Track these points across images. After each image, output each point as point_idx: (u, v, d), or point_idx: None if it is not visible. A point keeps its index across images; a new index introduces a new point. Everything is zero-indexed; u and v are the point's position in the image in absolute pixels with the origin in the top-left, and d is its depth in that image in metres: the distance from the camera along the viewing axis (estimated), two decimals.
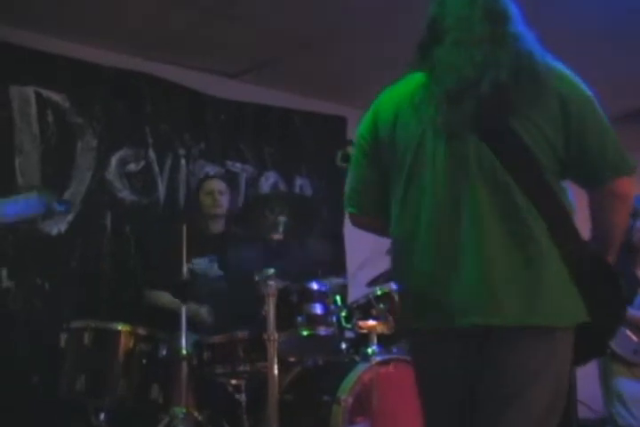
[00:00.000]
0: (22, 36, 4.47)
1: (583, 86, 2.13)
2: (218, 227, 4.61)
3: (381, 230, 2.39)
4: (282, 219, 3.69)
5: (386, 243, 3.05)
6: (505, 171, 2.06)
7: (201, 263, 4.34)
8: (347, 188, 2.43)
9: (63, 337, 3.85)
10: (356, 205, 2.40)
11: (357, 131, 2.39)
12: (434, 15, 2.26)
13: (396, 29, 4.53)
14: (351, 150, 2.80)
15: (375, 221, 2.40)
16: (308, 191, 5.77)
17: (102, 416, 3.74)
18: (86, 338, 3.80)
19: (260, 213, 3.74)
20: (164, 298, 4.23)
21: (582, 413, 4.87)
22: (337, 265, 5.66)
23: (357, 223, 2.46)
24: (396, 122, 2.24)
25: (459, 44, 2.16)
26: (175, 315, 3.89)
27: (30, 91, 4.53)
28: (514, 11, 2.20)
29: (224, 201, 4.58)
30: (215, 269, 4.45)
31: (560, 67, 2.14)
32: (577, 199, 2.20)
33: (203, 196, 4.60)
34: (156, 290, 4.32)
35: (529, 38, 2.17)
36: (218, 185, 4.65)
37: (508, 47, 2.11)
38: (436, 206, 2.13)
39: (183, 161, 5.15)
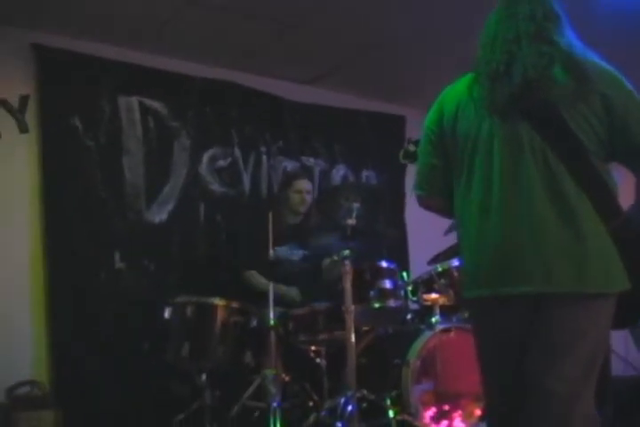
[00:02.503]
0: (126, 54, 4.57)
1: (624, 82, 2.11)
2: (298, 218, 4.60)
3: (445, 210, 2.42)
4: (355, 206, 3.67)
5: (442, 223, 3.06)
6: (554, 155, 2.07)
7: (282, 250, 4.35)
8: (415, 173, 2.44)
9: (168, 310, 3.87)
10: (423, 188, 2.41)
11: (425, 123, 2.39)
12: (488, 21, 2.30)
13: (447, 41, 4.53)
14: (411, 148, 2.80)
15: (440, 202, 2.40)
16: (374, 182, 5.74)
17: (204, 377, 3.80)
18: (189, 311, 3.85)
19: (337, 202, 3.74)
20: (255, 277, 4.30)
21: (626, 371, 4.88)
22: (400, 246, 5.69)
23: (424, 204, 2.46)
24: (458, 113, 2.27)
25: (494, 40, 2.21)
26: (264, 291, 3.91)
27: (135, 100, 4.61)
28: (560, 12, 2.22)
29: (309, 199, 4.56)
30: (296, 254, 4.46)
31: (602, 64, 2.13)
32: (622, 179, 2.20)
33: (291, 193, 4.56)
34: (248, 270, 4.35)
35: (573, 38, 2.18)
36: (307, 185, 4.61)
37: (548, 45, 2.12)
38: (493, 189, 2.14)
39: (264, 157, 5.17)
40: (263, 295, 3.90)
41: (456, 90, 2.34)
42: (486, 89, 2.18)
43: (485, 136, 2.18)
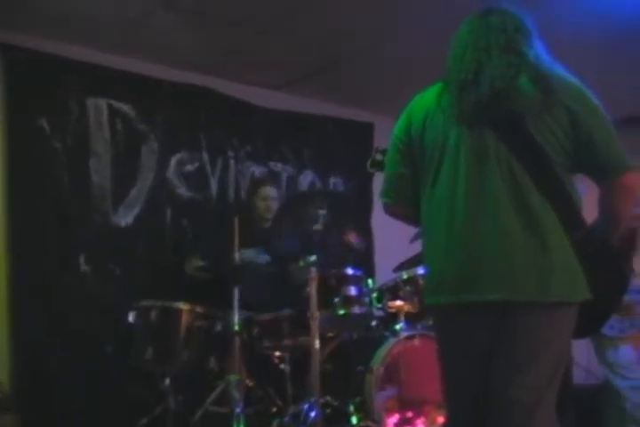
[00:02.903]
0: (95, 56, 4.50)
1: (589, 96, 2.14)
2: (265, 224, 4.61)
3: (411, 218, 2.43)
4: (322, 212, 3.68)
5: (409, 231, 3.08)
6: (519, 165, 2.09)
7: (249, 253, 4.35)
8: (383, 181, 2.46)
9: (132, 314, 3.86)
10: (390, 196, 2.43)
11: (393, 132, 2.42)
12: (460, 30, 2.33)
13: (417, 49, 4.56)
14: (379, 157, 2.82)
15: (406, 210, 2.42)
16: (341, 189, 5.75)
17: (167, 382, 3.78)
18: (153, 315, 3.85)
19: (304, 208, 3.75)
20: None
21: (587, 379, 4.93)
22: (365, 253, 5.67)
23: (390, 212, 2.48)
24: (426, 122, 2.29)
25: (465, 50, 2.23)
26: (228, 295, 3.88)
27: (103, 102, 4.56)
28: (530, 26, 2.25)
29: (275, 206, 4.59)
30: (262, 259, 4.46)
31: (568, 78, 2.16)
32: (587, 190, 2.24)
33: (258, 200, 4.62)
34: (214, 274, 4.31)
35: (541, 51, 2.21)
36: (272, 192, 4.66)
37: (517, 56, 2.15)
38: (458, 198, 2.16)
39: (232, 162, 5.16)
40: (227, 298, 3.88)
41: (425, 99, 2.36)
42: (454, 98, 2.21)
43: (452, 145, 2.20)
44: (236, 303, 3.83)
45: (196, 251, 4.46)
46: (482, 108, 2.14)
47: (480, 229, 2.12)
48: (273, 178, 5.28)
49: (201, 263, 4.31)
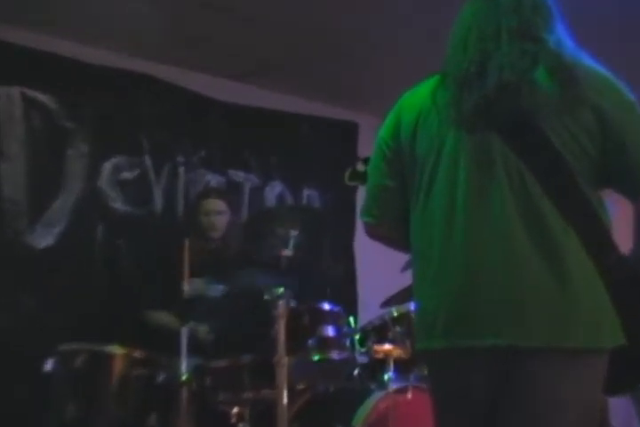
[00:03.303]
0: (6, 32, 4.47)
1: (622, 91, 2.12)
2: (214, 246, 4.62)
3: (399, 243, 2.41)
4: (293, 233, 3.70)
5: (400, 257, 3.07)
6: (532, 176, 2.06)
7: (198, 284, 4.35)
8: (365, 195, 2.44)
9: (50, 361, 3.79)
10: (372, 214, 2.41)
11: (379, 134, 2.40)
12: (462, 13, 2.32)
13: (410, 36, 4.60)
14: (361, 168, 2.82)
15: (393, 232, 2.41)
16: (316, 203, 5.80)
17: None
18: (77, 362, 3.79)
19: (269, 228, 3.76)
20: (164, 318, 4.29)
21: None
22: (347, 283, 5.73)
23: (373, 234, 2.47)
24: (418, 123, 2.27)
25: (468, 36, 2.23)
26: (175, 337, 3.86)
27: (16, 91, 4.54)
28: (552, 4, 2.24)
29: (222, 223, 4.60)
30: (214, 290, 4.48)
31: (596, 68, 2.14)
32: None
33: (201, 216, 4.63)
34: (156, 310, 4.35)
35: (564, 35, 2.20)
36: (216, 205, 4.65)
37: (533, 43, 2.14)
38: (456, 215, 2.13)
39: (182, 169, 5.19)
40: (172, 340, 3.86)
41: (418, 95, 2.35)
42: (453, 94, 2.19)
43: (449, 151, 2.18)
44: (183, 347, 3.80)
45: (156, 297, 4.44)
46: (486, 107, 2.12)
47: (483, 254, 2.08)
48: (222, 189, 5.29)
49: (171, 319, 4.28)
